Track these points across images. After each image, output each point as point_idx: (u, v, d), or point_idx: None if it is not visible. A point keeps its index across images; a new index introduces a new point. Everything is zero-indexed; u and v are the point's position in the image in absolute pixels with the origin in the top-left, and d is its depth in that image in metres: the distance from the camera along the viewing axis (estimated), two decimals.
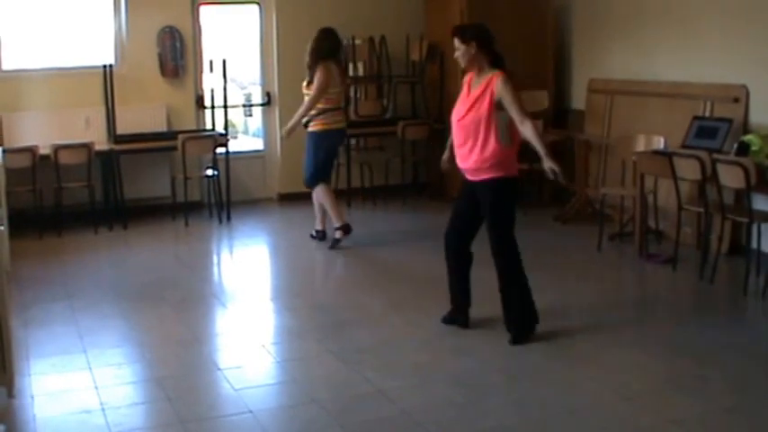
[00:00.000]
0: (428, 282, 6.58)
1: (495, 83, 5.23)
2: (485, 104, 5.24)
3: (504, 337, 5.37)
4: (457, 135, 5.40)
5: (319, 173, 7.85)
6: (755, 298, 6.25)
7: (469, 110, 5.29)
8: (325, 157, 7.85)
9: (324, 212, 7.95)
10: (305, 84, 7.80)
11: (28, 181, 8.34)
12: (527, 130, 5.21)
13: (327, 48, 7.75)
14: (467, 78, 5.47)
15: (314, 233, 8.10)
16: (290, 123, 7.84)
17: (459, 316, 5.63)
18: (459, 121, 5.37)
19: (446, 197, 9.87)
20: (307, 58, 7.76)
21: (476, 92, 5.30)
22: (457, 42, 5.35)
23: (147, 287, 6.83)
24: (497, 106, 5.21)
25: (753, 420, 4.33)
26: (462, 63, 5.40)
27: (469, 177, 5.38)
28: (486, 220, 5.37)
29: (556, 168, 5.22)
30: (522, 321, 5.39)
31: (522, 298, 5.38)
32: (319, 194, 7.87)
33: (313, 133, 7.78)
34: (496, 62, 5.35)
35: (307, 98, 7.70)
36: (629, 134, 8.06)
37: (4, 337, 4.41)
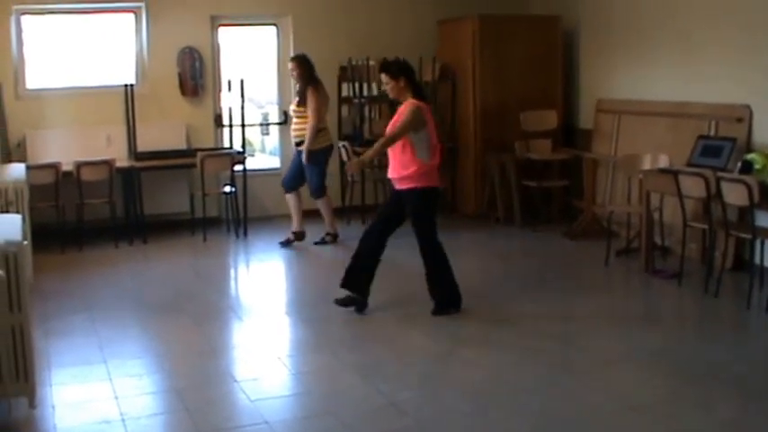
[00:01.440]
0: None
1: (404, 108, 6.16)
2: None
3: (513, 351, 5.49)
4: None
5: (323, 185, 8.66)
6: (759, 312, 6.30)
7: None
8: (324, 170, 8.66)
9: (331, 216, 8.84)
10: (294, 105, 8.60)
11: (51, 197, 8.49)
12: (385, 141, 6.17)
13: (312, 72, 8.49)
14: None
15: (325, 237, 8.83)
16: (306, 150, 8.46)
17: (358, 299, 6.41)
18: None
19: (457, 213, 10.05)
20: (297, 83, 8.60)
21: (395, 116, 6.25)
22: (386, 78, 6.23)
23: (166, 300, 6.94)
24: (414, 130, 6.08)
25: None
26: (391, 95, 6.30)
27: (396, 186, 6.29)
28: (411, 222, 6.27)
29: (353, 169, 6.75)
30: (442, 296, 6.27)
31: (443, 280, 6.26)
32: (324, 204, 8.74)
33: (313, 152, 8.46)
34: (418, 93, 6.25)
35: (299, 120, 8.50)
36: (636, 153, 8.15)
37: (26, 348, 4.46)
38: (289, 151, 10.25)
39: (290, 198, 8.83)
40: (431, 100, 10.13)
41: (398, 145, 6.13)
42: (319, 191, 8.67)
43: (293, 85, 10.04)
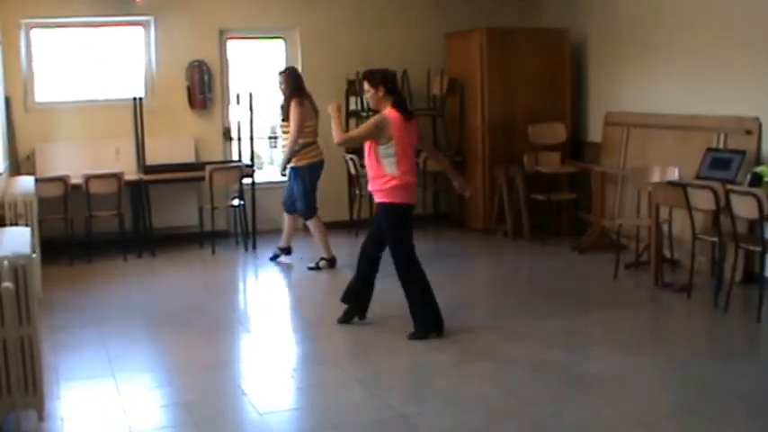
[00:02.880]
0: (447, 309, 6.65)
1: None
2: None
3: (522, 364, 5.49)
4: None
5: (313, 204, 8.28)
6: None
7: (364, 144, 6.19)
8: (312, 189, 8.26)
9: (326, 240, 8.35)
10: (281, 121, 8.32)
11: (60, 209, 8.52)
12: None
13: (298, 85, 8.16)
14: None
15: (319, 262, 8.36)
16: (281, 163, 8.30)
17: (357, 313, 6.42)
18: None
19: (466, 227, 10.04)
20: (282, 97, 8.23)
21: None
22: (366, 85, 6.13)
23: (174, 313, 6.95)
24: (377, 140, 5.97)
25: None
26: (371, 104, 6.23)
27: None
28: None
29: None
30: (422, 319, 6.08)
31: (420, 302, 6.09)
32: (314, 226, 8.31)
33: (298, 168, 8.16)
34: (398, 105, 6.07)
35: (287, 135, 8.15)
36: (645, 166, 8.15)
37: (35, 361, 4.47)
38: None
39: (288, 218, 8.53)
40: (438, 113, 10.21)
41: (372, 157, 6.03)
42: (307, 211, 8.25)
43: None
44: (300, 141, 8.06)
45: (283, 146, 8.36)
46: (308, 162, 8.15)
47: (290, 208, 8.44)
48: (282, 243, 8.64)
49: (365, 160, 6.16)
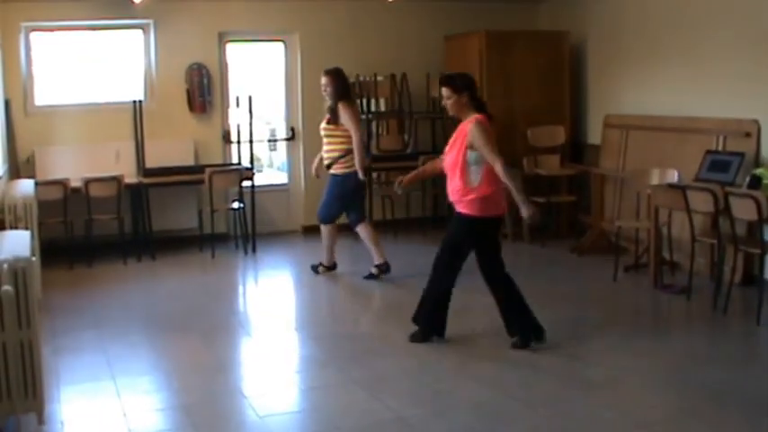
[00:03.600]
0: (450, 312, 6.66)
1: (469, 128, 5.63)
2: (458, 148, 5.70)
3: (522, 367, 5.49)
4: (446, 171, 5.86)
5: (363, 211, 8.06)
6: None
7: (449, 151, 5.80)
8: (361, 196, 8.01)
9: (377, 244, 7.97)
10: (324, 123, 7.81)
11: (59, 213, 8.51)
12: (499, 171, 5.55)
13: (345, 86, 7.79)
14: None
15: (373, 270, 7.97)
16: (359, 168, 7.69)
17: (427, 332, 6.00)
18: (443, 161, 5.90)
19: None
20: (328, 98, 7.73)
21: (455, 134, 5.79)
22: (447, 92, 5.74)
23: (174, 316, 6.96)
24: (469, 149, 5.60)
25: None
26: (452, 111, 5.81)
27: (455, 210, 5.83)
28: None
29: (533, 216, 5.63)
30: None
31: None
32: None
33: (346, 176, 7.74)
34: (480, 108, 5.75)
35: (331, 140, 7.71)
36: (644, 168, 8.18)
37: (35, 364, 4.46)
38: (297, 167, 10.32)
39: (325, 229, 8.03)
40: (438, 116, 10.22)
41: (458, 165, 5.64)
42: (328, 218, 7.97)
43: (300, 102, 10.14)
44: (345, 147, 7.71)
45: (325, 151, 7.85)
46: (353, 169, 7.75)
47: (326, 218, 8.00)
48: (326, 260, 8.18)
49: (447, 168, 5.79)
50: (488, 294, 5.93)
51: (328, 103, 7.76)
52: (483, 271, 5.90)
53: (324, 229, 8.03)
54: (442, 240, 5.97)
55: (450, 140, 5.84)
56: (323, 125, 7.83)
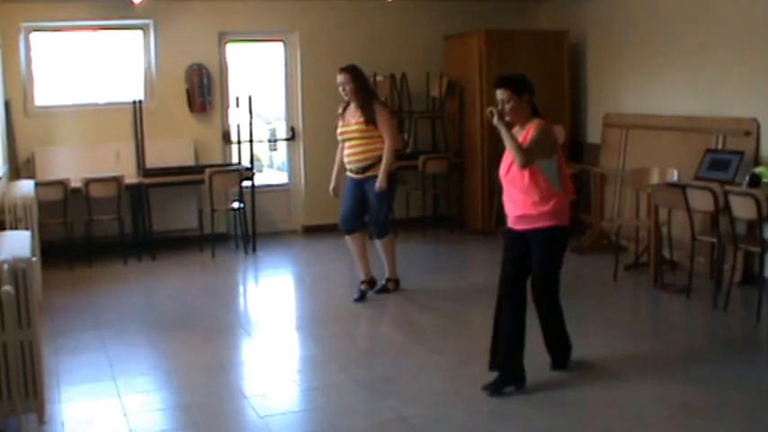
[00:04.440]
0: (450, 311, 6.67)
1: (530, 131, 5.05)
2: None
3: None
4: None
5: (389, 219, 7.32)
6: None
7: (513, 163, 5.06)
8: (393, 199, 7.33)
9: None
10: (353, 124, 7.07)
11: (59, 213, 8.52)
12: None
13: (368, 83, 7.28)
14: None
15: (387, 284, 7.43)
16: (383, 175, 6.99)
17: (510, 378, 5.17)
18: (505, 176, 5.18)
19: (465, 229, 10.06)
20: (350, 96, 7.04)
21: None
22: (507, 95, 5.04)
23: (174, 316, 6.96)
24: (544, 155, 5.02)
25: None
26: (510, 116, 5.05)
27: (517, 227, 5.17)
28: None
29: None
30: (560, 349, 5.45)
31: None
32: (387, 244, 7.36)
33: (391, 176, 7.07)
34: (536, 111, 5.15)
35: (367, 141, 7.02)
36: (644, 167, 8.17)
37: (35, 365, 4.47)
38: (297, 167, 10.31)
39: (352, 240, 7.34)
40: (437, 115, 10.23)
41: (532, 177, 4.99)
42: (385, 228, 7.25)
43: (301, 102, 10.13)
44: (376, 147, 7.05)
45: (356, 153, 7.08)
46: (392, 170, 7.14)
47: (351, 227, 7.29)
48: (363, 276, 7.37)
49: (512, 183, 5.11)
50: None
51: (349, 102, 7.12)
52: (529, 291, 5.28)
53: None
54: (539, 272, 5.22)
55: (506, 154, 5.12)
56: (351, 127, 7.08)
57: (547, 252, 5.12)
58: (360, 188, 7.13)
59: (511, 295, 5.11)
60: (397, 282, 7.44)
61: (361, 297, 7.23)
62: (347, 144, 7.12)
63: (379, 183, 6.97)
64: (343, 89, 7.04)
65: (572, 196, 5.22)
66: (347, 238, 7.30)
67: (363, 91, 7.04)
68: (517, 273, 5.14)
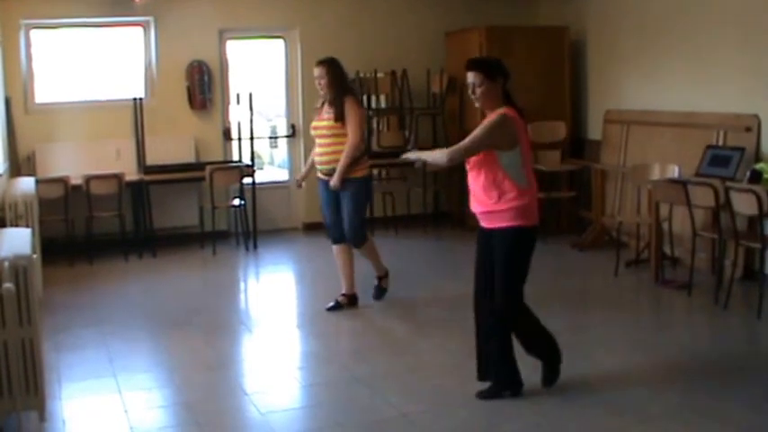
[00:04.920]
0: (452, 308, 6.66)
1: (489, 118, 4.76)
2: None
3: (524, 363, 5.41)
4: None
5: (365, 225, 6.88)
6: None
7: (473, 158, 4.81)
8: (366, 207, 6.85)
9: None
10: (323, 120, 6.70)
11: (60, 210, 8.52)
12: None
13: (345, 78, 6.82)
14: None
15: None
16: (339, 176, 6.53)
17: (503, 385, 4.97)
18: (469, 171, 4.92)
19: (466, 226, 10.03)
20: (324, 90, 6.66)
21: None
22: (478, 78, 4.72)
23: (175, 313, 6.96)
24: (499, 148, 4.70)
25: None
26: (480, 102, 4.78)
27: (482, 224, 4.90)
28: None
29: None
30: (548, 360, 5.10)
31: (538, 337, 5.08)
32: (366, 250, 6.92)
33: (355, 180, 6.63)
34: (511, 100, 4.83)
35: (335, 140, 6.58)
36: (645, 163, 8.16)
37: (36, 361, 4.48)
38: (298, 164, 10.28)
39: (338, 251, 6.90)
40: (438, 112, 10.21)
41: (490, 171, 4.69)
42: (360, 234, 6.77)
43: (301, 99, 10.12)
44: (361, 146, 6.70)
45: (323, 153, 6.67)
46: (365, 174, 6.71)
47: (337, 236, 6.86)
48: (345, 289, 6.93)
49: (473, 179, 4.83)
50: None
51: (324, 97, 6.74)
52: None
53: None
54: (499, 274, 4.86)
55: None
56: (322, 123, 6.69)
57: (508, 255, 4.75)
58: (335, 194, 6.68)
59: (485, 292, 4.89)
60: (386, 273, 7.07)
61: (336, 307, 6.84)
62: (317, 142, 6.72)
63: (333, 181, 6.55)
64: (319, 83, 6.65)
65: (535, 191, 4.81)
66: (334, 248, 6.89)
67: (338, 85, 6.58)
68: (491, 271, 4.85)
